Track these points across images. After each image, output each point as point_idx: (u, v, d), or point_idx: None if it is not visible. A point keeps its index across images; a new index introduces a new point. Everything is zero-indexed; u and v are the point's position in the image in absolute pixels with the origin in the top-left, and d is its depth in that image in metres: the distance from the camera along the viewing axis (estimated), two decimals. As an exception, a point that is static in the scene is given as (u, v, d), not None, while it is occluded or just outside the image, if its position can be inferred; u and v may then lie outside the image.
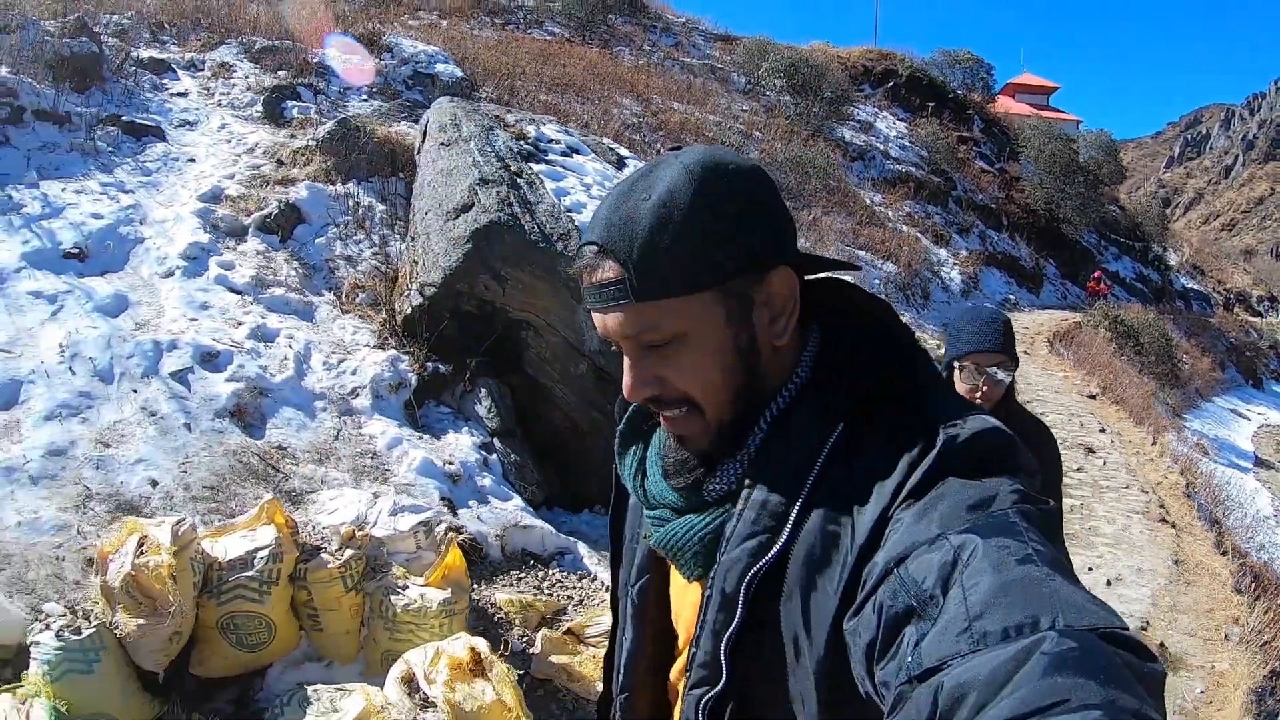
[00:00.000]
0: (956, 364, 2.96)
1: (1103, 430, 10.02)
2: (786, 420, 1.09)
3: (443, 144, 6.12)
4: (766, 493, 1.04)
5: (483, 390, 5.22)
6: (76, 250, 6.07)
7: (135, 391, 4.97)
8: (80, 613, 3.57)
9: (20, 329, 5.22)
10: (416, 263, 5.44)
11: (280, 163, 8.26)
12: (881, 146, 28.92)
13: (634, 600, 1.33)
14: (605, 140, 10.27)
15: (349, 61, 9.89)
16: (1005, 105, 44.22)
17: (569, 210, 6.22)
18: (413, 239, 5.84)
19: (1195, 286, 41.92)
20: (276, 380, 5.41)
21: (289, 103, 10.93)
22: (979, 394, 2.93)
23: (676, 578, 1.25)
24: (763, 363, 1.11)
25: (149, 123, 8.65)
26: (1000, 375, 2.93)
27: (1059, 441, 7.68)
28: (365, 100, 12.16)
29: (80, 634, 3.42)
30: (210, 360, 5.38)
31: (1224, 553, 6.60)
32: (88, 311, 5.47)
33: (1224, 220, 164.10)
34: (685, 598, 1.23)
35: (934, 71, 36.76)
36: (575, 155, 7.57)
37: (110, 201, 6.88)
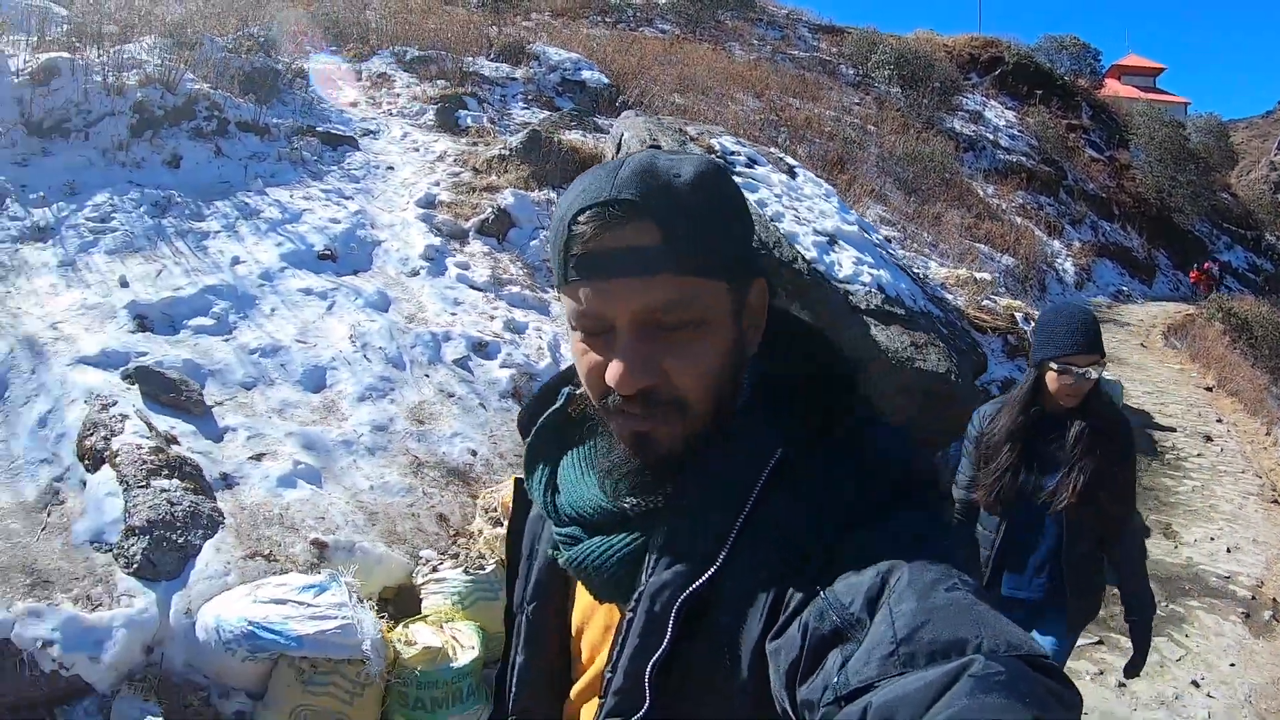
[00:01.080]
0: (1052, 364, 3.10)
1: (1219, 420, 10.92)
2: (725, 439, 1.07)
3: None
4: (704, 513, 1.02)
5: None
6: (329, 252, 6.83)
7: (427, 376, 5.69)
8: (459, 556, 4.32)
9: (305, 322, 5.91)
10: None
11: (477, 170, 9.00)
12: (991, 136, 29.15)
13: (529, 619, 1.30)
14: (774, 150, 11.16)
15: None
16: (1111, 88, 43.89)
17: (772, 220, 7.38)
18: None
19: None
20: (540, 366, 6.18)
21: (461, 112, 11.78)
22: (1070, 392, 3.10)
23: (581, 595, 1.22)
24: (740, 369, 1.11)
25: (341, 133, 9.48)
26: (1091, 374, 3.08)
27: (1178, 427, 8.65)
28: (525, 108, 13.06)
29: (484, 569, 4.13)
30: (481, 349, 6.13)
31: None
32: (360, 307, 6.22)
33: None
34: (594, 619, 1.20)
35: (1040, 58, 36.77)
36: (755, 166, 8.58)
37: (337, 207, 7.68)
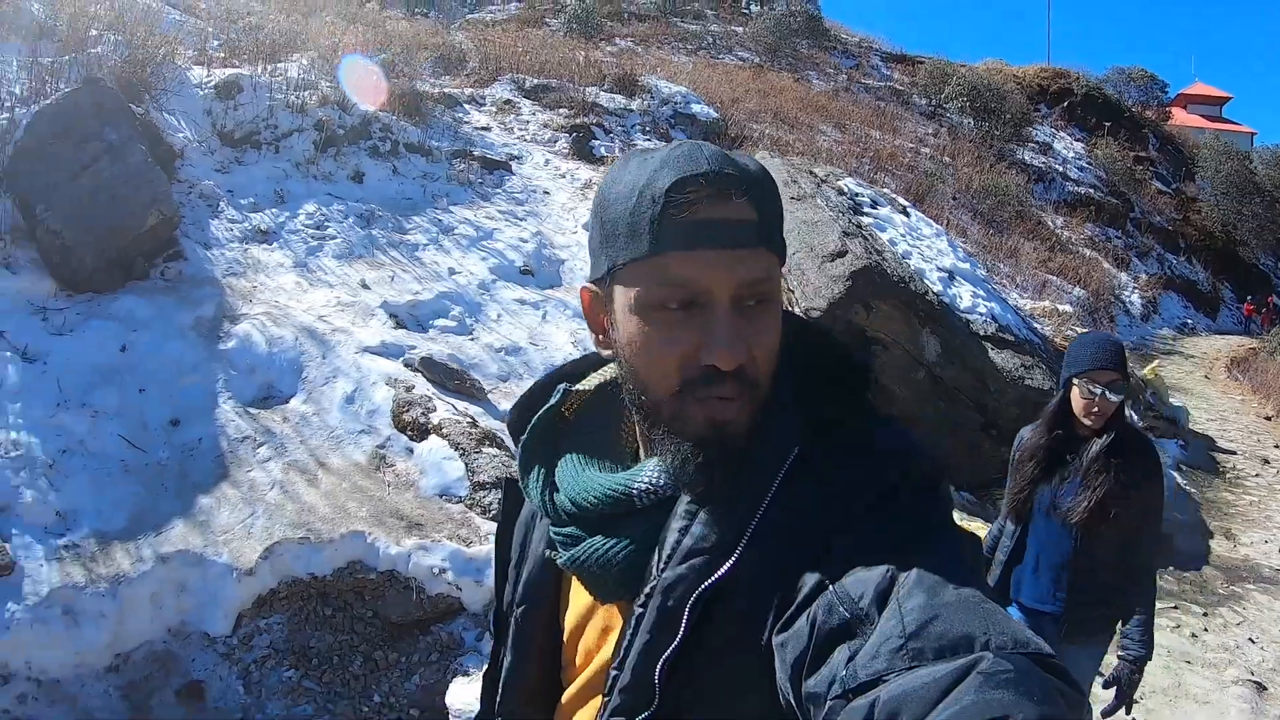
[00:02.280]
0: (1075, 380, 3.28)
1: (1277, 446, 12.06)
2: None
3: (793, 198, 8.67)
4: (721, 506, 1.03)
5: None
6: (528, 268, 7.75)
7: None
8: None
9: (529, 328, 6.72)
10: (792, 291, 8.01)
11: None
12: (1061, 168, 29.89)
13: (518, 621, 1.29)
14: (886, 191, 12.27)
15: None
16: (1178, 118, 44.33)
17: (904, 256, 8.72)
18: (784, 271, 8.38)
19: None
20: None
21: (593, 142, 12.72)
22: (1094, 409, 3.25)
23: (576, 598, 1.22)
24: None
25: (496, 157, 10.32)
26: (1111, 395, 3.22)
27: (1238, 451, 9.96)
28: (645, 138, 14.01)
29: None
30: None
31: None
32: (569, 317, 7.03)
33: None
34: (590, 620, 1.19)
35: (1108, 89, 37.52)
36: (878, 207, 9.88)
37: (518, 228, 8.58)
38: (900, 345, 7.63)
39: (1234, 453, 11.53)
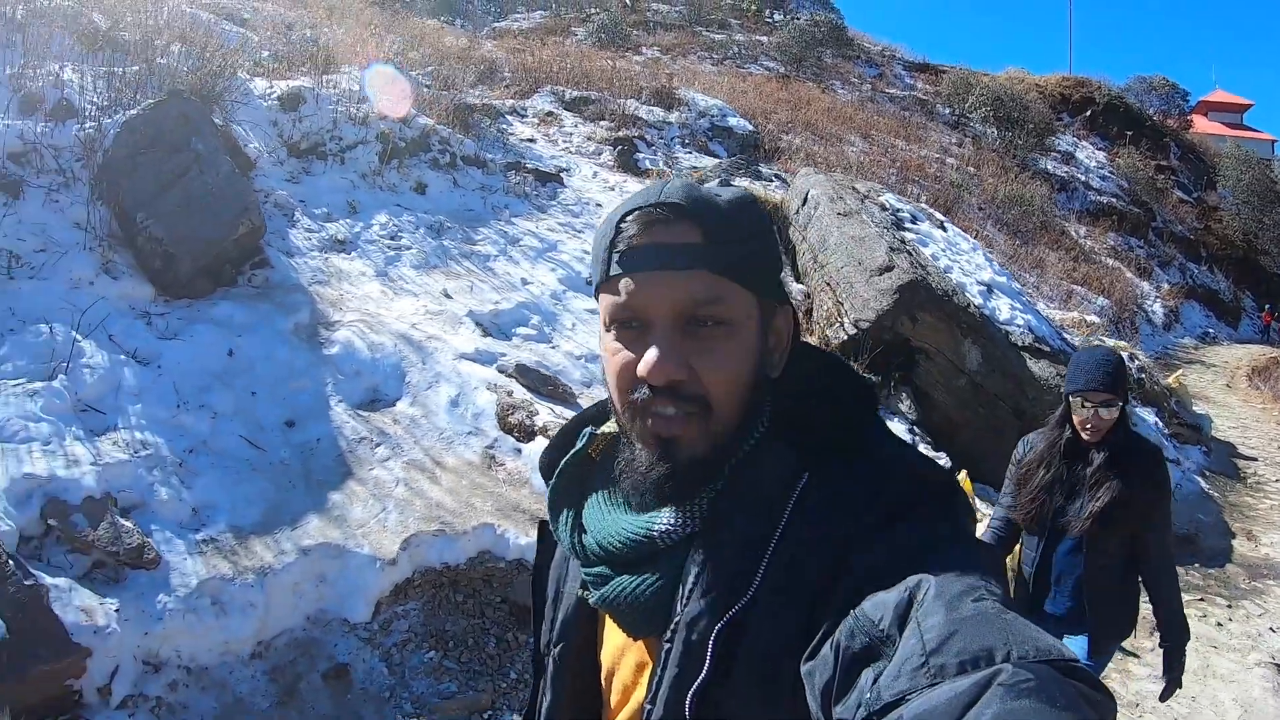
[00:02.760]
0: (1072, 398, 3.42)
1: (1298, 451, 12.47)
2: (751, 464, 1.12)
3: (840, 214, 9.11)
4: (736, 538, 1.06)
5: (904, 394, 8.17)
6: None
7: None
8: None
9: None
10: (841, 303, 8.34)
11: None
12: (1083, 178, 30.14)
13: (555, 661, 1.32)
14: (923, 206, 12.64)
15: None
16: (1199, 125, 44.56)
17: (945, 270, 9.20)
18: (826, 284, 8.67)
19: None
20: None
21: (637, 155, 12.99)
22: (1089, 425, 3.38)
23: (610, 636, 1.25)
24: (762, 387, 1.15)
25: (548, 170, 10.61)
26: (1104, 413, 3.34)
27: (1259, 458, 10.40)
28: (686, 152, 14.27)
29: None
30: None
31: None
32: None
33: None
34: (625, 657, 1.22)
35: (1130, 99, 37.80)
36: (918, 222, 10.35)
37: (578, 240, 8.90)
38: (944, 354, 8.05)
39: (1255, 459, 11.90)
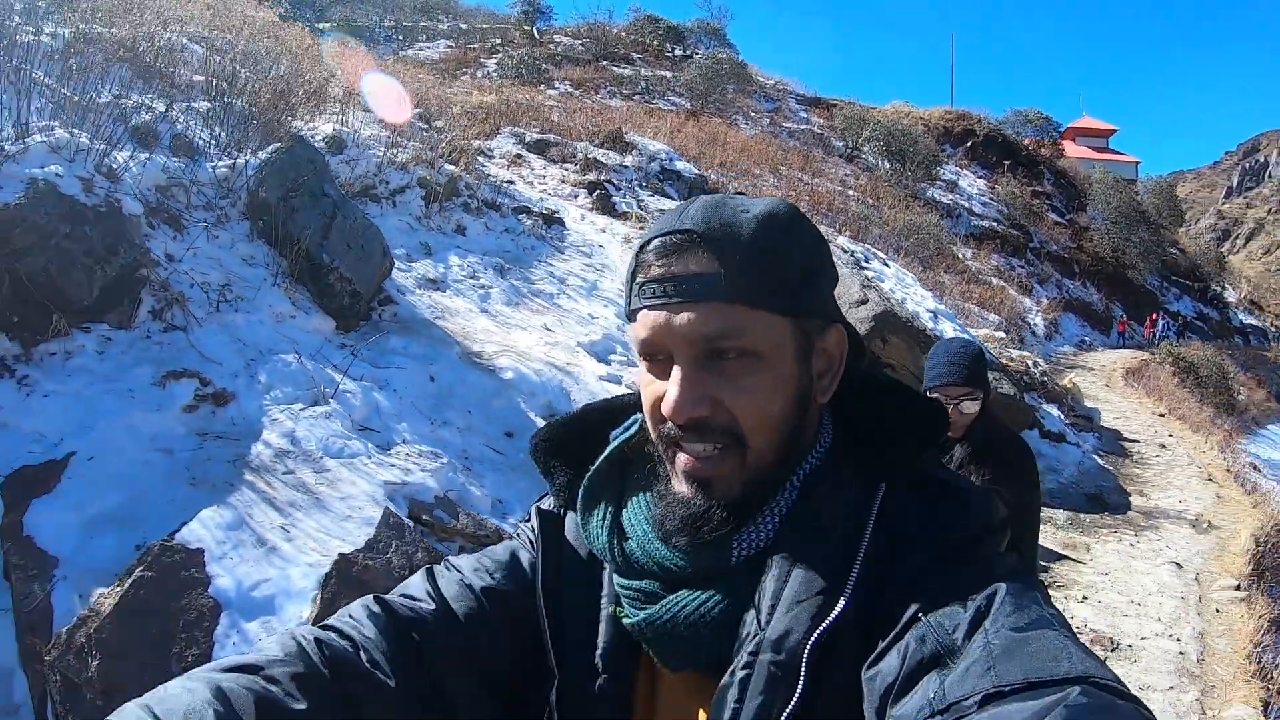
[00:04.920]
0: (930, 394, 3.31)
1: (1170, 435, 15.26)
2: (822, 479, 1.09)
3: (817, 257, 11.57)
4: (819, 550, 1.02)
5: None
6: None
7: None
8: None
9: None
10: None
11: None
12: (967, 204, 33.26)
13: (602, 692, 1.12)
14: (870, 247, 14.73)
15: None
16: (1068, 150, 48.32)
17: (902, 301, 11.53)
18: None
19: (1253, 322, 46.44)
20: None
21: (613, 198, 14.13)
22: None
23: (649, 668, 1.13)
24: (809, 413, 1.11)
25: (549, 212, 11.57)
26: (964, 408, 3.34)
27: (1140, 440, 13.21)
28: (649, 195, 15.39)
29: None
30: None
31: (1248, 493, 11.89)
32: None
33: None
34: (677, 690, 1.11)
35: (1007, 130, 41.68)
36: (870, 261, 12.73)
37: (608, 278, 10.10)
38: (907, 369, 10.32)
39: (1137, 441, 14.74)
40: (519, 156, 15.45)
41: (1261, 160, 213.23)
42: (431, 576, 1.21)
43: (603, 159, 16.53)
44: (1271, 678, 5.96)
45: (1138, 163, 60.07)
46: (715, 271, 1.02)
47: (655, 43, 41.41)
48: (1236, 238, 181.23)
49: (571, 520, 1.24)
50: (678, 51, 41.55)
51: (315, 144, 8.70)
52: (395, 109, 11.06)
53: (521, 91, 24.39)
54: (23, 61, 6.54)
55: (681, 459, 1.07)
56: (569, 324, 8.80)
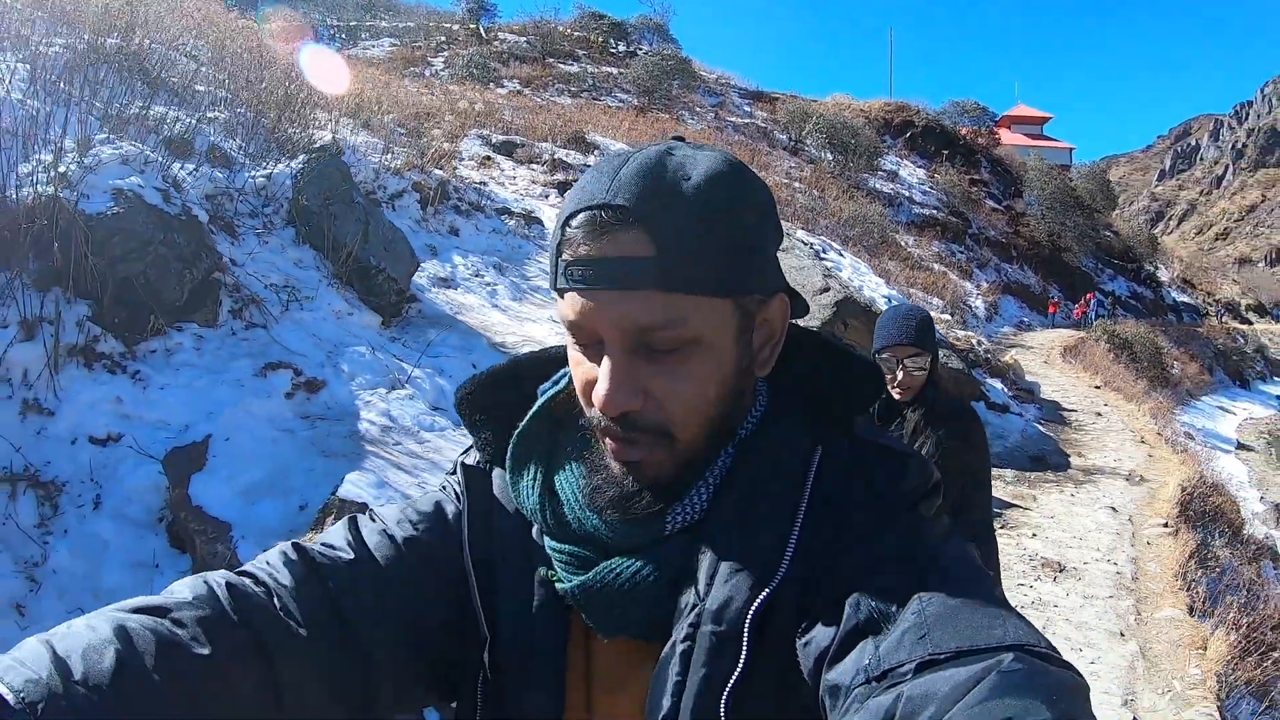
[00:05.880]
0: (879, 355, 3.46)
1: (1105, 405, 16.78)
2: (756, 445, 1.06)
3: (781, 250, 12.62)
4: (756, 517, 1.01)
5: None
6: None
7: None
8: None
9: None
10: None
11: None
12: (907, 193, 34.60)
13: (534, 653, 1.08)
14: (824, 238, 15.89)
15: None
16: (1004, 138, 49.93)
17: (859, 288, 12.70)
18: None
19: (1186, 300, 48.34)
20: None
21: None
22: (899, 384, 3.44)
23: (581, 631, 1.09)
24: (746, 388, 1.07)
25: (528, 212, 12.28)
26: (911, 366, 3.42)
27: (1078, 409, 14.70)
28: None
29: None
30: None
31: (1178, 453, 13.30)
32: None
33: (1217, 230, 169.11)
34: (610, 654, 1.08)
35: (945, 120, 43.20)
36: (828, 252, 13.92)
37: None
38: (867, 349, 11.43)
39: (1075, 410, 16.23)
40: (488, 158, 15.85)
41: (1193, 144, 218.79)
42: (354, 525, 1.15)
43: (567, 159, 17.15)
44: (1195, 591, 7.19)
45: (1071, 149, 62.54)
46: (650, 256, 0.93)
47: (600, 39, 42.27)
48: (1170, 219, 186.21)
49: (499, 477, 1.18)
50: (621, 48, 42.53)
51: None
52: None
53: (472, 90, 25.09)
54: (61, 76, 7.06)
55: (609, 443, 1.03)
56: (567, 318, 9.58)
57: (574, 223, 0.96)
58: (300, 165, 7.98)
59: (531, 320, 9.10)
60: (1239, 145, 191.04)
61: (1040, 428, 13.91)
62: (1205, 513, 10.17)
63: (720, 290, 0.97)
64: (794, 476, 1.03)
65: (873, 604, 0.89)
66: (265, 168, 8.03)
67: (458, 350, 7.46)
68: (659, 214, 0.93)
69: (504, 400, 1.19)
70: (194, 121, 7.96)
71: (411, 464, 5.41)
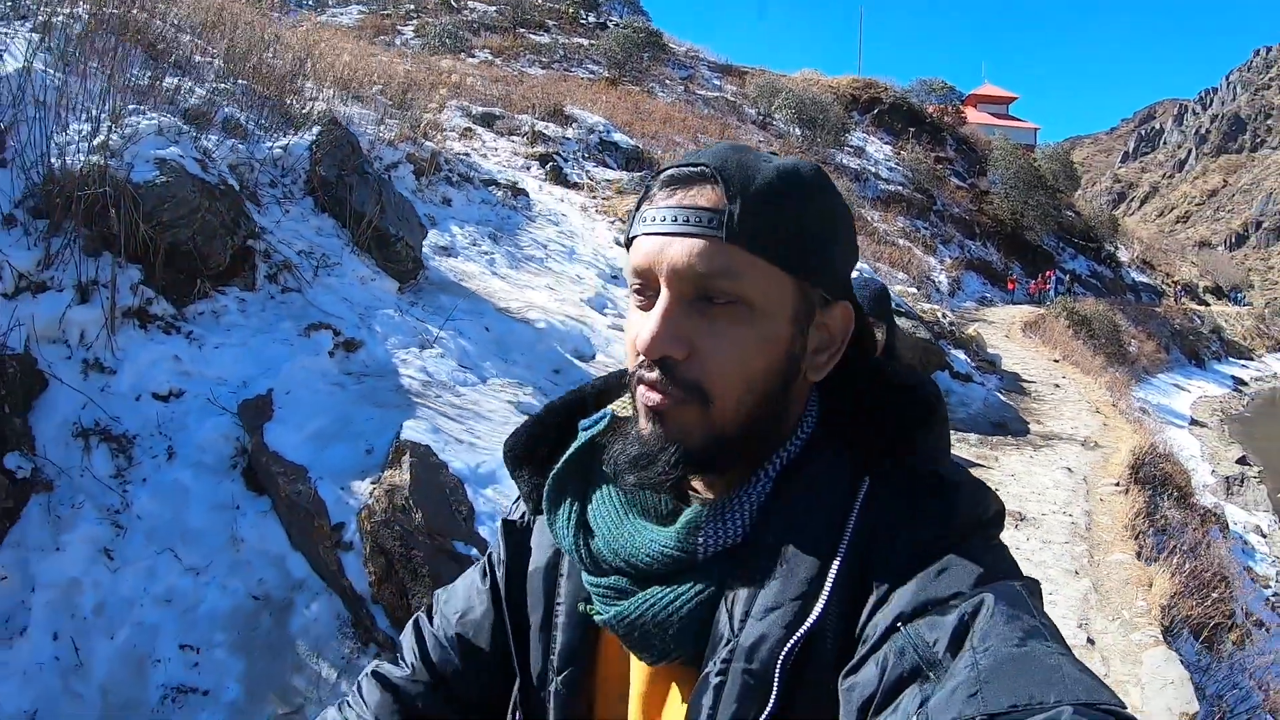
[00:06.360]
0: None
1: (1064, 377, 17.76)
2: (800, 469, 1.06)
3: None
4: (795, 550, 0.99)
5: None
6: (615, 274, 10.67)
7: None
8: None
9: None
10: None
11: (623, 220, 12.00)
12: (874, 169, 35.42)
13: (561, 690, 1.17)
14: None
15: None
16: (970, 117, 50.88)
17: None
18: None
19: (1145, 280, 49.44)
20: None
21: (564, 169, 15.19)
22: None
23: (615, 663, 1.16)
24: (794, 386, 1.08)
25: (514, 184, 12.47)
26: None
27: (1037, 381, 15.67)
28: (594, 166, 16.53)
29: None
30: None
31: (1131, 423, 14.22)
32: None
33: (1178, 213, 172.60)
34: (637, 682, 1.13)
35: (913, 98, 44.12)
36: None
37: (581, 243, 11.35)
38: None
39: (1035, 382, 17.19)
40: (469, 130, 16.08)
41: (1156, 127, 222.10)
42: (419, 635, 1.34)
43: (547, 132, 17.46)
44: (1143, 540, 8.03)
45: (1036, 129, 63.48)
46: (721, 207, 0.99)
47: (570, 10, 42.50)
48: (1132, 200, 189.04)
49: (541, 523, 1.24)
50: (591, 19, 42.76)
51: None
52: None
53: (444, 59, 25.45)
54: (75, 47, 7.21)
55: (642, 391, 1.04)
56: (565, 284, 10.08)
57: (659, 179, 1.07)
58: (314, 137, 8.30)
59: (530, 288, 9.48)
60: (1202, 131, 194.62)
61: (1001, 397, 14.77)
62: (1155, 477, 11.09)
63: (782, 262, 1.02)
64: (837, 510, 1.02)
65: (918, 650, 0.87)
66: (276, 139, 8.32)
67: (469, 314, 7.89)
68: (738, 178, 1.01)
69: (547, 443, 1.25)
70: (208, 94, 8.20)
71: (456, 413, 5.98)
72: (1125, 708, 0.78)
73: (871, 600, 0.95)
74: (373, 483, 4.99)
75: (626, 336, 1.09)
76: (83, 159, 5.80)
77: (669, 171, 1.06)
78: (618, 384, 1.28)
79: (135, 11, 8.74)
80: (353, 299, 7.09)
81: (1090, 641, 5.86)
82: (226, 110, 8.19)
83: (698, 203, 1.01)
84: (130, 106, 6.81)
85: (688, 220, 1.01)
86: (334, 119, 8.82)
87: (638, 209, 1.08)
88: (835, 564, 0.97)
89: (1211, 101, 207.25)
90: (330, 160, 8.11)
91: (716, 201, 1.00)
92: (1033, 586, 0.96)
